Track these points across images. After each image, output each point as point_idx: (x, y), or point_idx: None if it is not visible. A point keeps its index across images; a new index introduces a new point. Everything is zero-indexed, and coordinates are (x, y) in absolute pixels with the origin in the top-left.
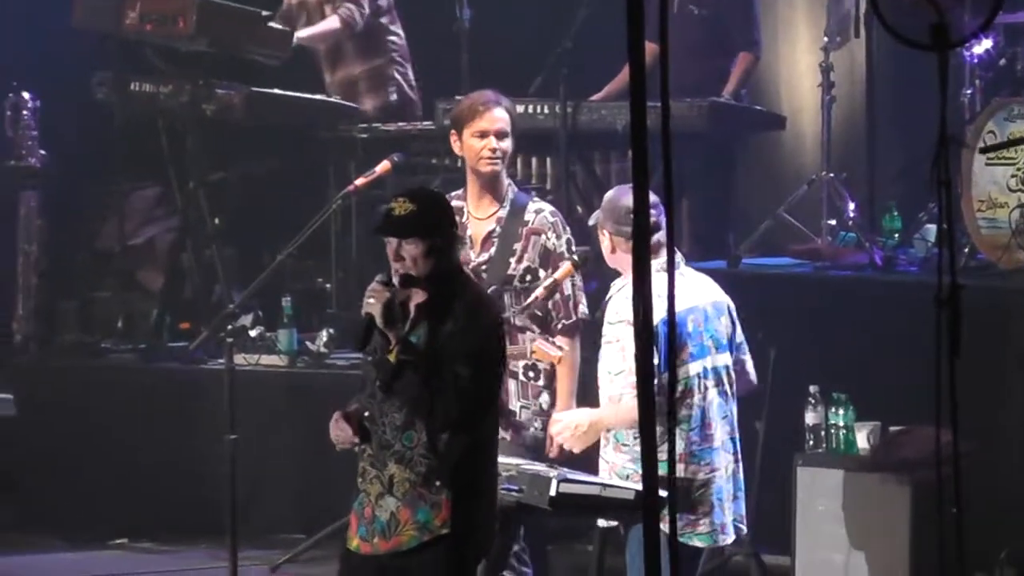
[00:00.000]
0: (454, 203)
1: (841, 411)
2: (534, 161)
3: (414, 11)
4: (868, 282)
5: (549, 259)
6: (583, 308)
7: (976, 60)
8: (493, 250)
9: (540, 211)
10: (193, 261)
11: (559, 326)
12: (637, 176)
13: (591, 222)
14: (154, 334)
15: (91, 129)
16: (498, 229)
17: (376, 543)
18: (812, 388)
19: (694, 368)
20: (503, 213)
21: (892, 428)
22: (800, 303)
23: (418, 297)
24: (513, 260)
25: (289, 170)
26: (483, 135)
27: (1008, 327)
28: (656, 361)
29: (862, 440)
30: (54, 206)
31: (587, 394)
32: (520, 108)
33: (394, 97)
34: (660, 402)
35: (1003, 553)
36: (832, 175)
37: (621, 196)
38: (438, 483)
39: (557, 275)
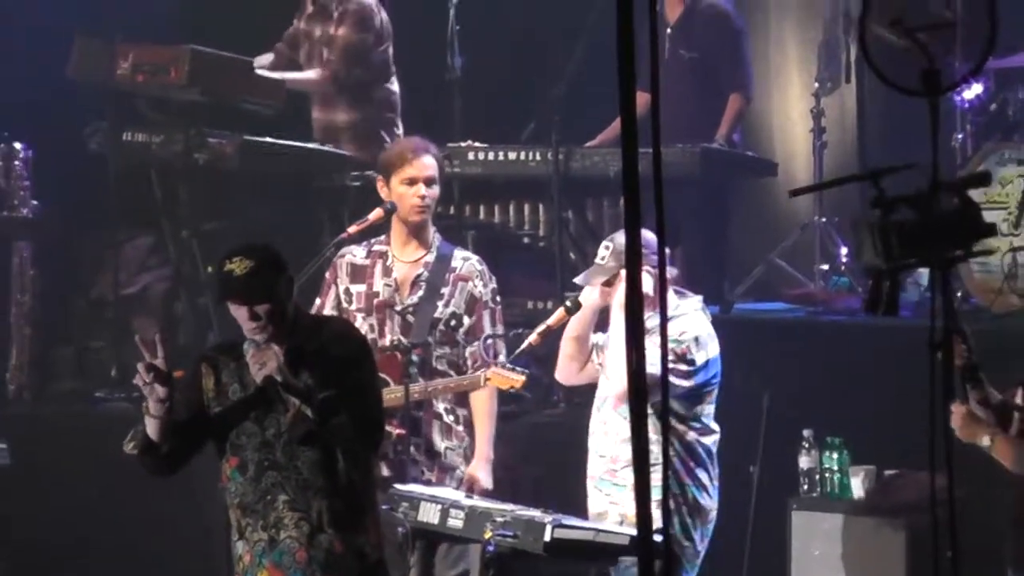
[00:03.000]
0: (376, 247)
1: (835, 455)
2: (526, 207)
3: (405, 58)
4: (861, 326)
5: (474, 306)
6: (502, 357)
7: (967, 105)
8: (421, 293)
9: (467, 259)
10: (187, 309)
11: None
12: (629, 223)
13: (604, 261)
14: None
15: (84, 179)
16: (425, 273)
17: None
18: (806, 432)
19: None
20: (430, 258)
21: (887, 472)
22: (793, 347)
23: (280, 349)
24: (440, 304)
25: (282, 218)
26: (412, 182)
27: (1002, 370)
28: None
29: (857, 484)
30: (47, 256)
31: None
32: (512, 155)
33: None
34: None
35: None
36: (824, 220)
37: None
38: (365, 505)
39: (550, 321)
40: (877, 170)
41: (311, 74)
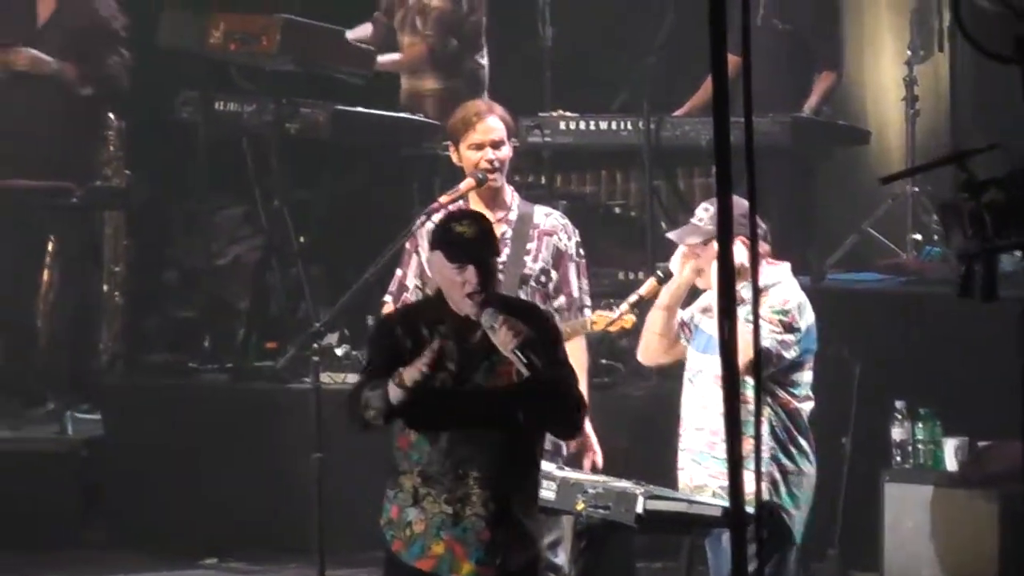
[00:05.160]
0: None
1: (928, 426)
2: (617, 177)
3: (497, 30)
4: (954, 297)
5: (560, 259)
6: (589, 312)
7: None
8: (508, 251)
9: (550, 214)
10: (279, 280)
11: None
12: (721, 192)
13: (702, 222)
14: (240, 353)
15: (176, 149)
16: (509, 231)
17: (500, 563)
18: (898, 403)
19: None
20: (512, 216)
21: (980, 443)
22: (886, 318)
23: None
24: (528, 260)
25: (373, 187)
26: (479, 147)
27: None
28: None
29: (949, 455)
30: (140, 226)
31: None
32: (603, 124)
33: None
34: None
35: None
36: (917, 189)
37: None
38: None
39: (642, 291)
40: (963, 152)
41: (404, 56)
